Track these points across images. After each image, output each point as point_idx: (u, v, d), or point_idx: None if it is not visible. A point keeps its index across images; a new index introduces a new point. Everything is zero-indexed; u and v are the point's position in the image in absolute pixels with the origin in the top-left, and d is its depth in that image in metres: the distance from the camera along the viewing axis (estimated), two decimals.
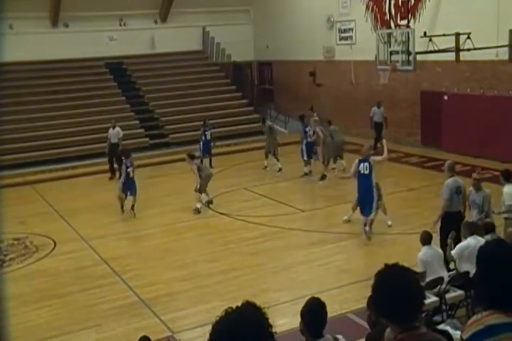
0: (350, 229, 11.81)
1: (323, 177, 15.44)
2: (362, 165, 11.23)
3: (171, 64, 24.81)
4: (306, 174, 16.28)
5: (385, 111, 18.83)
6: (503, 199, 9.09)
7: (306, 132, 16.16)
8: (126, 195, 13.65)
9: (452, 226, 8.88)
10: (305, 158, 16.19)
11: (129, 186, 13.55)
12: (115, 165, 17.24)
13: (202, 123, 18.94)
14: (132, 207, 13.51)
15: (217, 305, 8.21)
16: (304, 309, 4.40)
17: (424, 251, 7.69)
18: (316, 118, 16.56)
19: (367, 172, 11.15)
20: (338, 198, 14.07)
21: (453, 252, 7.72)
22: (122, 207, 13.71)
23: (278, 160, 17.03)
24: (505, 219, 8.88)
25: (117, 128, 17.67)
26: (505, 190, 9.07)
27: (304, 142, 16.12)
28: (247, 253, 10.90)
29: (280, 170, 16.93)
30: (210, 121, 22.50)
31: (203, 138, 18.45)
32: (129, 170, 13.55)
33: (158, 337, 7.68)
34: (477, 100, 16.77)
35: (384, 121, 18.71)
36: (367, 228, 11.11)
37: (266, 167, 17.40)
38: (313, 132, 16.04)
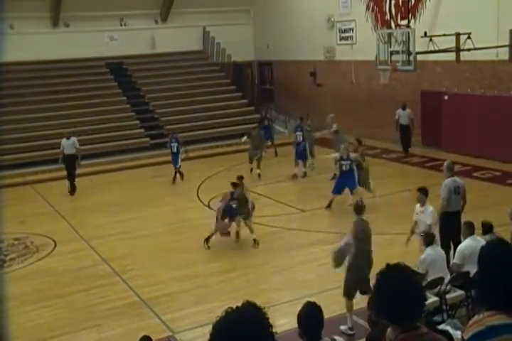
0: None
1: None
2: (344, 163, 12.88)
3: (171, 64, 24.80)
4: (305, 173, 16.33)
5: (384, 112, 18.80)
6: (423, 218, 8.88)
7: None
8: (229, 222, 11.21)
9: (452, 226, 8.88)
10: (308, 157, 16.28)
11: (230, 211, 11.22)
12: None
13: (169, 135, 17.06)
14: (237, 233, 11.40)
15: (218, 305, 8.20)
16: (300, 313, 4.41)
17: (428, 252, 7.69)
18: (332, 115, 16.53)
19: (347, 168, 12.91)
20: (338, 198, 14.05)
21: (455, 260, 7.70)
22: (209, 238, 11.18)
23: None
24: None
25: (73, 138, 16.19)
26: (430, 209, 8.89)
27: (309, 142, 16.21)
28: (247, 253, 10.89)
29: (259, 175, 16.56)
30: (210, 122, 22.61)
31: (170, 150, 16.91)
32: (233, 203, 11.17)
33: (159, 337, 7.69)
34: (477, 100, 16.77)
35: (411, 123, 18.01)
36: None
37: (259, 174, 16.54)
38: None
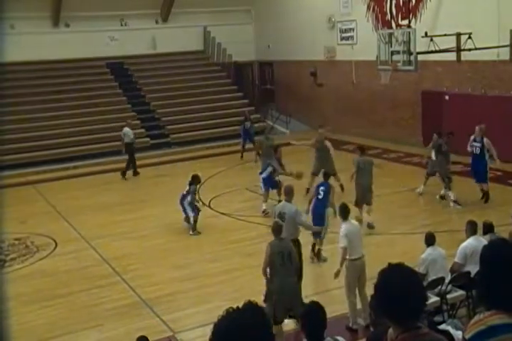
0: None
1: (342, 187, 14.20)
2: (475, 144, 12.67)
3: (172, 64, 24.82)
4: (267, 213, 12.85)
5: (384, 112, 18.60)
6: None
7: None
8: None
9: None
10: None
11: None
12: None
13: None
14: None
15: (219, 305, 8.20)
16: (303, 313, 4.42)
17: (428, 252, 7.68)
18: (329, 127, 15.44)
19: (477, 152, 12.75)
20: (338, 198, 14.03)
21: (456, 259, 7.69)
22: None
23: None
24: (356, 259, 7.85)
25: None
26: (342, 228, 7.96)
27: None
28: (248, 253, 10.89)
29: None
30: (211, 122, 22.59)
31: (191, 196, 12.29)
32: None
33: (160, 337, 7.71)
34: (478, 100, 16.76)
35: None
36: None
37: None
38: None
